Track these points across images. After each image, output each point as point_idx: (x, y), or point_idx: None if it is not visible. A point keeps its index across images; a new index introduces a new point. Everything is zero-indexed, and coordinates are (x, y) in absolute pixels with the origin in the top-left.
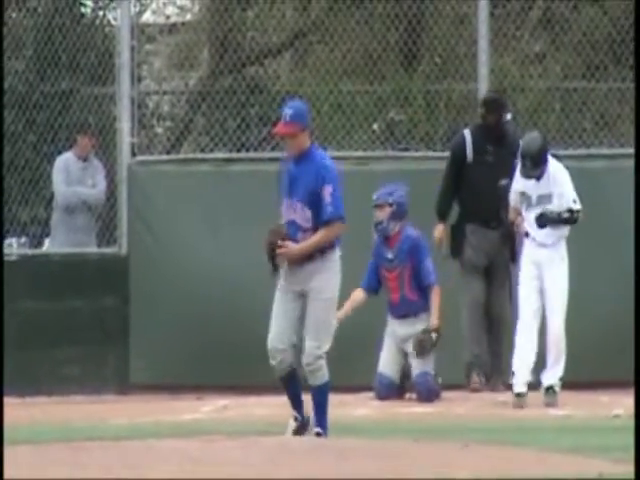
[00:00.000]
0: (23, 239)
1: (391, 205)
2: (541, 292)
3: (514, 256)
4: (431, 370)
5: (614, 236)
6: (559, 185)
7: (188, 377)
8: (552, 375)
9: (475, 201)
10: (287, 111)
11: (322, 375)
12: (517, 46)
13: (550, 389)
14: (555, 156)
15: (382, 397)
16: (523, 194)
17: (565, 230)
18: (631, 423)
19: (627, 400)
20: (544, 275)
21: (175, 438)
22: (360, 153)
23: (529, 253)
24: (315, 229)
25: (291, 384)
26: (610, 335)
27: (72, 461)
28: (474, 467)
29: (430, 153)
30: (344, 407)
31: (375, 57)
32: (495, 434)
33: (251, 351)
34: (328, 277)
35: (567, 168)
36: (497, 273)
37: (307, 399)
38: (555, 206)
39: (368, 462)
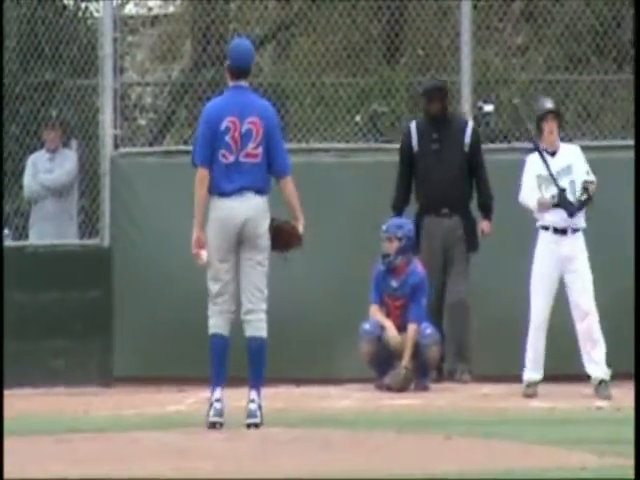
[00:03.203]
0: (6, 231)
1: (400, 239)
2: (561, 286)
3: (475, 243)
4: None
5: (604, 228)
6: (575, 155)
7: (171, 369)
8: (597, 367)
9: (426, 191)
10: None
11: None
12: (500, 38)
13: (602, 382)
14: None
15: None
16: (539, 177)
17: (582, 220)
18: (615, 415)
19: (613, 392)
20: (566, 267)
21: (159, 430)
22: (343, 145)
23: (547, 250)
24: None
25: None
26: None
27: (56, 454)
28: (457, 460)
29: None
30: (326, 399)
31: (358, 49)
32: (477, 426)
33: (234, 343)
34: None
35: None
36: (454, 260)
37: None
38: (577, 181)
39: (352, 454)
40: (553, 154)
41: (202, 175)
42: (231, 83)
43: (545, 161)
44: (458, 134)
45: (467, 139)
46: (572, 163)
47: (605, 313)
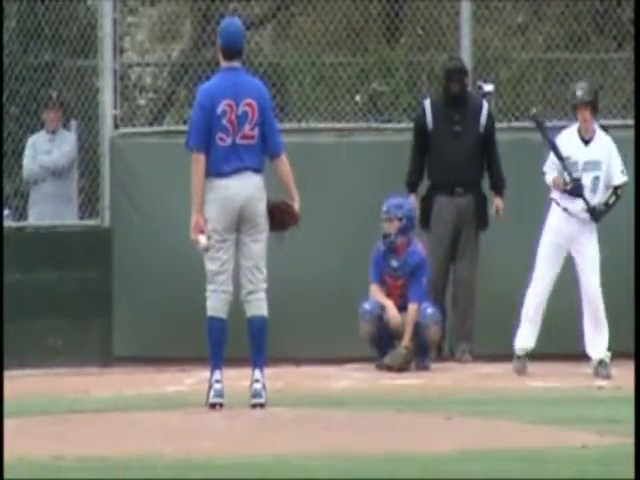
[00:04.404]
0: (6, 211)
1: (400, 220)
2: (564, 262)
3: (485, 221)
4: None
5: None
6: (608, 152)
7: (172, 349)
8: (599, 348)
9: (440, 170)
10: None
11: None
12: (499, 17)
13: (602, 362)
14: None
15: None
16: (568, 159)
17: (596, 201)
18: (615, 395)
19: (613, 372)
20: (574, 246)
21: (159, 410)
22: (342, 124)
23: (556, 224)
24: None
25: None
26: None
27: (56, 434)
28: (457, 439)
29: (412, 124)
30: (327, 379)
31: (357, 29)
32: (477, 406)
33: (235, 323)
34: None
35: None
36: (465, 240)
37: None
38: (602, 178)
39: (352, 434)
40: (587, 142)
41: (199, 159)
42: (224, 64)
43: (561, 158)
44: (475, 114)
45: (483, 119)
46: (602, 160)
47: (604, 292)
